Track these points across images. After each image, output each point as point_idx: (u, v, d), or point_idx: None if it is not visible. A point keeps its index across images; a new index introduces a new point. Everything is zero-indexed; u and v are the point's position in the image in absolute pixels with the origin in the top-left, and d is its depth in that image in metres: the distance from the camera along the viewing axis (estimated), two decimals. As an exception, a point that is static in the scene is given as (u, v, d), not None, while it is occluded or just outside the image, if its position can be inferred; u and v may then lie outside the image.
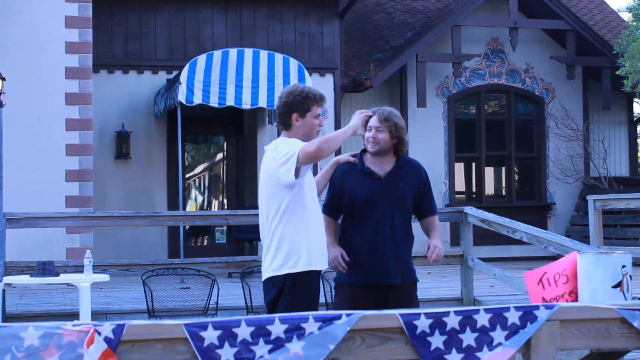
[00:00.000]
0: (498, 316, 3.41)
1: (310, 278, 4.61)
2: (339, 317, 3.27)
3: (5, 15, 11.64)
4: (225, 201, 15.04)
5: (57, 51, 11.79)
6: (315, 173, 5.25)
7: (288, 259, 4.58)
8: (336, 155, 6.04)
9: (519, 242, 8.82)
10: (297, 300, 4.54)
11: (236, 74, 11.72)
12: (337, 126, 14.60)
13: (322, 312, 3.30)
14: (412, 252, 5.13)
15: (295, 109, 4.67)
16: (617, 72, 14.14)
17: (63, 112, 11.77)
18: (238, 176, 14.82)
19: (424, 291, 9.89)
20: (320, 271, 4.71)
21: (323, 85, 14.44)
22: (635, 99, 17.74)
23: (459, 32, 15.00)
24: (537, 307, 3.46)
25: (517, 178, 16.15)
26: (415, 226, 5.18)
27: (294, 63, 12.00)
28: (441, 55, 15.24)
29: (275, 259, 4.61)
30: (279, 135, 4.84)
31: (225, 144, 15.17)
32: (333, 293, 5.47)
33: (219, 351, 3.12)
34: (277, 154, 4.61)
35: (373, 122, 4.94)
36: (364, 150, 5.09)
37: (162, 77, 13.92)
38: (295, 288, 4.56)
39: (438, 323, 3.35)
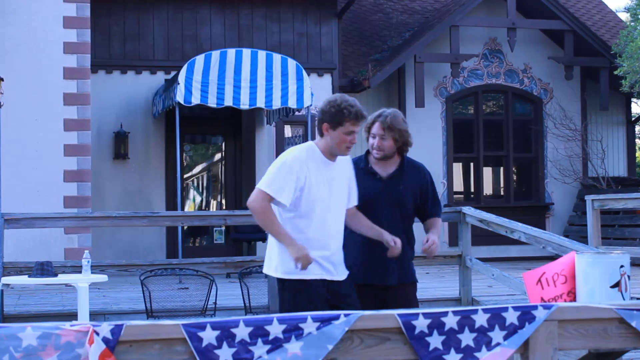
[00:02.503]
0: (496, 316, 3.42)
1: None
2: (337, 318, 3.27)
3: (3, 16, 11.63)
4: (223, 201, 15.04)
5: (55, 51, 11.79)
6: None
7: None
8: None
9: (517, 242, 8.81)
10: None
11: (234, 74, 11.71)
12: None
13: (320, 313, 3.30)
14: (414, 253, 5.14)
15: (327, 119, 4.62)
16: (615, 73, 14.15)
17: (61, 112, 11.76)
18: (236, 176, 14.82)
19: (422, 291, 9.87)
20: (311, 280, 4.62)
21: (321, 85, 14.44)
22: (633, 99, 17.76)
23: (457, 32, 15.00)
24: (535, 307, 3.46)
25: (515, 178, 16.15)
26: (417, 227, 5.18)
27: (292, 63, 11.99)
28: (439, 55, 15.24)
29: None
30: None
31: (223, 144, 15.16)
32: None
33: (217, 351, 3.13)
34: (273, 163, 4.66)
35: (376, 129, 4.92)
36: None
37: (160, 77, 13.92)
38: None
39: (436, 323, 3.35)
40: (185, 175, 15.06)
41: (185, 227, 13.74)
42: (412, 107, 14.95)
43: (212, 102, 11.68)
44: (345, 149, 4.62)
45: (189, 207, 15.20)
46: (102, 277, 7.52)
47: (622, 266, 4.28)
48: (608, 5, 19.20)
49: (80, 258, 7.59)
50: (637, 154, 20.77)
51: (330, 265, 4.63)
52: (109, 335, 3.05)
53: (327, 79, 14.71)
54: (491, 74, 15.80)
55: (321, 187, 4.60)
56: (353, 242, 4.94)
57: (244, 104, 11.84)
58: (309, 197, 4.57)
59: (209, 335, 3.13)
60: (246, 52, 11.90)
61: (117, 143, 13.73)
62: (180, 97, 11.48)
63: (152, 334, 3.12)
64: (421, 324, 3.33)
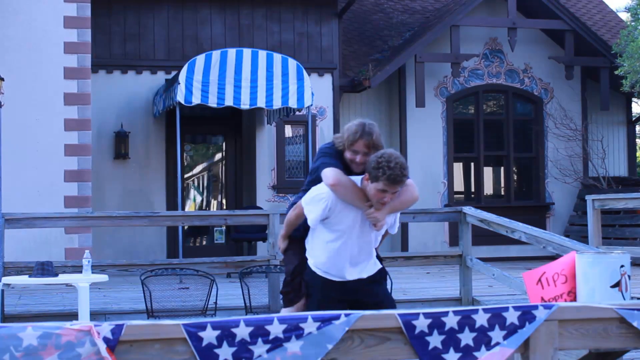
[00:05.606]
0: (497, 316, 3.42)
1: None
2: (337, 317, 3.27)
3: (3, 15, 11.64)
4: (224, 201, 15.04)
5: (55, 51, 11.79)
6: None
7: None
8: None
9: (517, 242, 8.81)
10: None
11: (235, 74, 11.71)
12: (335, 126, 14.61)
13: (320, 312, 3.30)
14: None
15: (369, 169, 4.72)
16: (616, 72, 14.14)
17: (61, 112, 11.77)
18: (237, 176, 14.82)
19: (423, 291, 9.90)
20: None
21: (321, 85, 14.45)
22: (634, 99, 17.75)
23: (458, 32, 15.00)
24: (535, 307, 3.46)
25: (515, 178, 16.15)
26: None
27: (292, 63, 11.99)
28: (440, 55, 15.24)
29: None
30: None
31: (224, 144, 15.16)
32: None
33: (217, 351, 3.13)
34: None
35: (361, 147, 4.84)
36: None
37: (161, 77, 13.92)
38: None
39: (437, 323, 3.35)
40: (186, 175, 15.06)
41: (186, 227, 13.74)
42: (412, 107, 14.95)
43: (212, 102, 11.68)
44: (378, 203, 4.68)
45: (190, 207, 15.21)
46: (103, 277, 7.52)
47: (622, 266, 4.28)
48: (609, 5, 19.19)
49: (81, 258, 7.59)
50: (637, 154, 20.77)
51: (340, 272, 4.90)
52: (109, 335, 3.05)
53: (327, 78, 14.72)
54: (492, 74, 15.80)
55: (344, 219, 4.75)
56: None
57: (245, 104, 11.85)
58: (331, 224, 4.80)
59: (209, 335, 3.13)
60: (247, 52, 11.90)
61: (117, 143, 13.73)
62: (180, 97, 11.48)
63: (152, 333, 3.12)
64: (421, 323, 3.33)
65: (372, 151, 4.82)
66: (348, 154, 4.86)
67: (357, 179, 4.76)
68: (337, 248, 4.79)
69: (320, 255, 4.86)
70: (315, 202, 4.76)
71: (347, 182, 4.71)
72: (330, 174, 4.71)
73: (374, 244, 4.97)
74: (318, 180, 4.85)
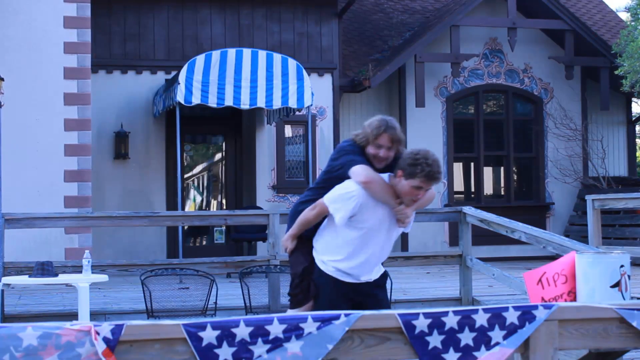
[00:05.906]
0: (497, 316, 3.42)
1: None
2: (337, 317, 3.27)
3: (3, 16, 11.64)
4: (223, 201, 15.04)
5: (55, 51, 11.79)
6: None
7: None
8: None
9: (517, 242, 8.81)
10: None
11: (235, 74, 11.71)
12: (335, 126, 14.61)
13: (320, 312, 3.30)
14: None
15: (403, 166, 4.74)
16: (616, 72, 14.14)
17: (61, 112, 11.77)
18: (237, 176, 14.82)
19: (423, 291, 9.90)
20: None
21: (321, 85, 14.44)
22: (634, 99, 17.75)
23: (458, 32, 15.00)
24: (535, 307, 3.46)
25: (515, 178, 16.15)
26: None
27: (292, 63, 11.99)
28: (440, 55, 15.23)
29: None
30: None
31: (223, 144, 15.16)
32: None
33: (217, 351, 3.13)
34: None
35: (385, 141, 4.85)
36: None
37: (161, 77, 13.92)
38: None
39: (437, 323, 3.35)
40: (186, 175, 15.06)
41: (186, 227, 13.74)
42: (412, 107, 14.95)
43: (212, 102, 11.68)
44: (410, 200, 4.69)
45: (190, 207, 15.20)
46: (103, 277, 7.52)
47: (622, 266, 4.28)
48: (608, 5, 19.20)
49: (81, 258, 7.59)
50: (637, 154, 20.77)
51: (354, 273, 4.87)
52: (109, 335, 3.05)
53: (327, 78, 14.72)
54: (491, 74, 15.80)
55: (371, 217, 4.73)
56: None
57: (245, 104, 11.85)
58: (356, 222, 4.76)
59: (209, 335, 3.13)
60: (246, 52, 11.90)
61: (117, 143, 13.73)
62: (180, 97, 11.48)
63: (152, 333, 3.12)
64: (421, 323, 3.33)
65: (395, 145, 4.84)
66: (371, 149, 4.84)
67: (384, 176, 4.76)
68: (360, 245, 4.75)
69: (338, 254, 4.79)
70: (344, 200, 4.69)
71: (378, 179, 4.70)
72: (361, 171, 4.68)
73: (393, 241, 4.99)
74: (341, 178, 4.80)
